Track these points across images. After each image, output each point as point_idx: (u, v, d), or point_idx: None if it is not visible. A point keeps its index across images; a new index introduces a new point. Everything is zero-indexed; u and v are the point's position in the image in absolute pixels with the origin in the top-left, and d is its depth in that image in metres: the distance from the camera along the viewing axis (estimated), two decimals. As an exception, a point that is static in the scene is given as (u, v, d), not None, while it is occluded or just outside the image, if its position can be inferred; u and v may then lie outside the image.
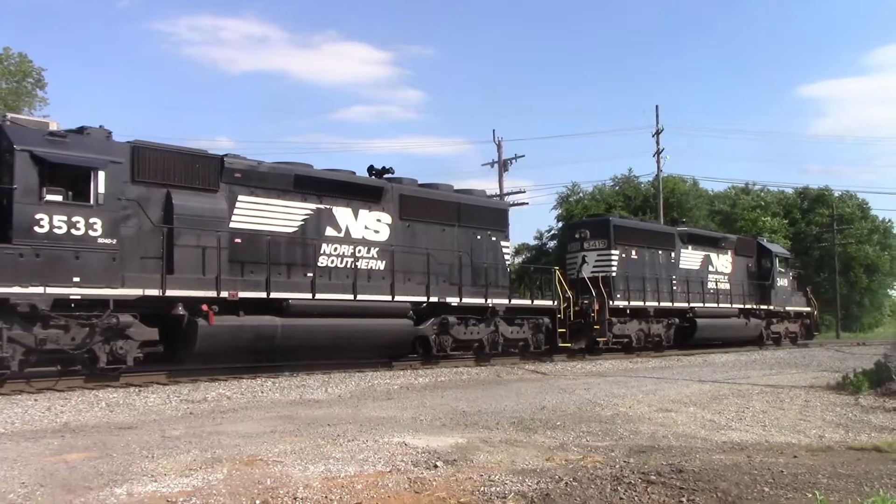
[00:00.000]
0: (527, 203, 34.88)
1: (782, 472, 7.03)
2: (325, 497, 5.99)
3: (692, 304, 28.05)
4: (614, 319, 24.64)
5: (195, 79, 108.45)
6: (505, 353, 20.97)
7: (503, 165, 41.80)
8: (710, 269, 30.15)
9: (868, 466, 7.40)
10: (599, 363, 21.75)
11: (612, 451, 8.01)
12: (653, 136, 43.83)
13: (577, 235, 26.78)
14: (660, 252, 27.70)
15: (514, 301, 21.22)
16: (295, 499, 5.93)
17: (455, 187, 21.28)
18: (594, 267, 25.39)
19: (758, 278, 32.79)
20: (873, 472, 7.07)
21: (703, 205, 57.77)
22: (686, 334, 27.91)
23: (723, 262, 30.95)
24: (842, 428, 10.24)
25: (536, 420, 10.14)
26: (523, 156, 43.70)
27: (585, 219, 28.72)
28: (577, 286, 24.42)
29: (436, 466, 7.06)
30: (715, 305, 29.34)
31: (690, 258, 29.13)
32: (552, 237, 53.77)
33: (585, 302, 23.86)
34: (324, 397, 13.23)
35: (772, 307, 32.63)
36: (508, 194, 40.29)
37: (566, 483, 6.52)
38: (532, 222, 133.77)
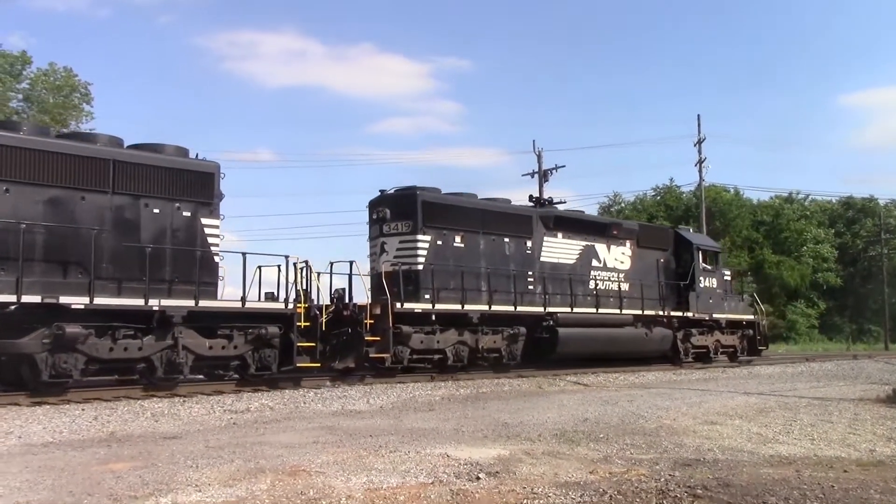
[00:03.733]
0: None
1: (833, 486, 6.87)
2: (368, 508, 5.99)
3: (552, 309, 20.96)
4: (411, 328, 17.93)
5: (235, 92, 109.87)
6: (194, 377, 14.99)
7: (543, 176, 41.47)
8: (595, 263, 23.23)
9: (922, 482, 7.20)
10: (643, 374, 21.24)
11: (656, 465, 7.90)
12: (694, 145, 43.45)
13: (374, 215, 19.67)
14: (506, 240, 20.88)
15: (205, 303, 14.59)
16: (338, 510, 5.94)
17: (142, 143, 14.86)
18: (395, 257, 18.88)
19: (676, 278, 25.79)
20: (928, 488, 6.89)
21: (746, 214, 57.24)
22: (547, 348, 20.95)
23: (616, 255, 23.99)
24: (893, 442, 9.97)
25: (579, 432, 10.05)
26: (563, 166, 43.11)
27: (387, 192, 20.01)
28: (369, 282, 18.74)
29: (478, 478, 7.02)
30: (593, 310, 22.17)
31: (559, 249, 22.35)
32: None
33: (358, 305, 17.56)
34: (366, 408, 13.26)
35: (691, 314, 25.18)
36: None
37: (610, 496, 6.45)
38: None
